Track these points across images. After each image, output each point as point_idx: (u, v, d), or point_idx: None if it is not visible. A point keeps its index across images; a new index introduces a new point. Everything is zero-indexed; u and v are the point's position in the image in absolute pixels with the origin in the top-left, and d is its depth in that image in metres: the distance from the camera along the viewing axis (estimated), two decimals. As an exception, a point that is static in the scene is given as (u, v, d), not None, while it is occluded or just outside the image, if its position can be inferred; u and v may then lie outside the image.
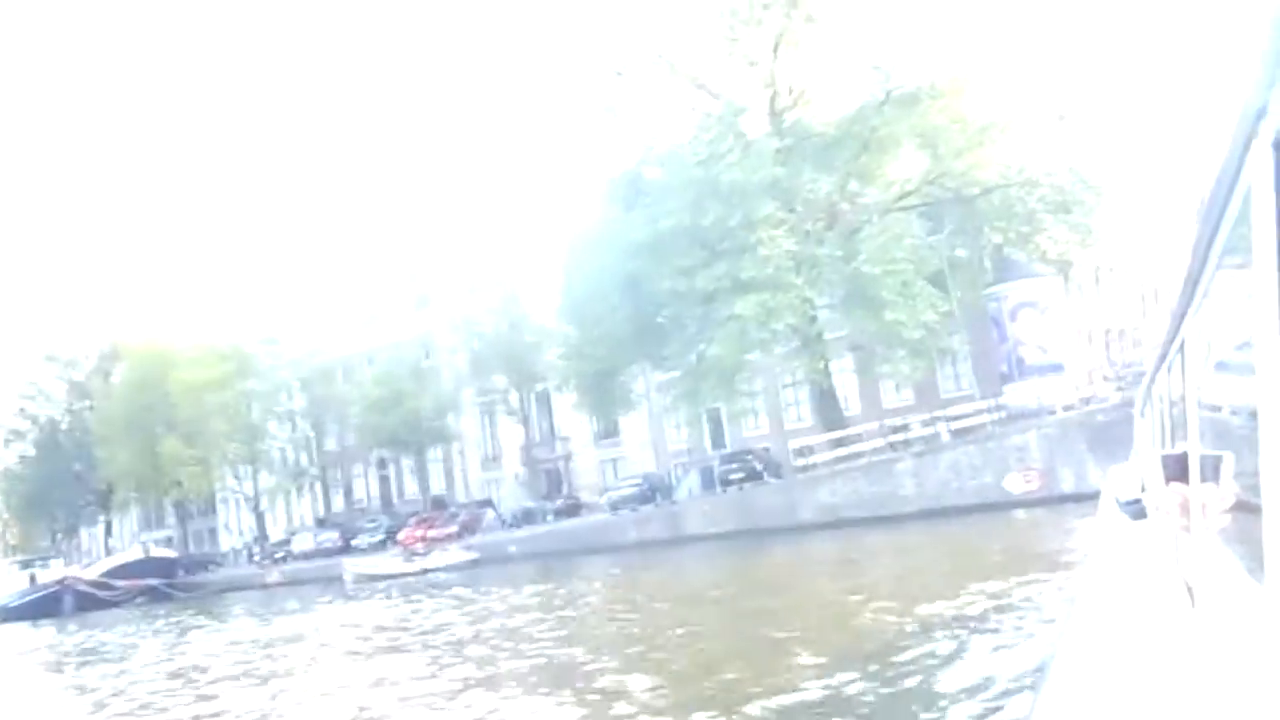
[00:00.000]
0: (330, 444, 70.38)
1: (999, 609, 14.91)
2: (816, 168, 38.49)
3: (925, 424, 39.11)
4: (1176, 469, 2.58)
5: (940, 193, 39.17)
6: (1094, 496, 28.40)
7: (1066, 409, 35.92)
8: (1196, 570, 2.36)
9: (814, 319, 39.50)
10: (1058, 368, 38.77)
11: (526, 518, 52.39)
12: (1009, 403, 38.01)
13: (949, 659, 12.12)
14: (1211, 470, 2.12)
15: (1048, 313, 39.40)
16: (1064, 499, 30.46)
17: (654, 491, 46.96)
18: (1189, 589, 2.47)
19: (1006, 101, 37.30)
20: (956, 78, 37.63)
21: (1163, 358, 3.75)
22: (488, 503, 58.77)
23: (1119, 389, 37.25)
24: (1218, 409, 2.16)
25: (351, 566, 47.25)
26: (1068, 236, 38.61)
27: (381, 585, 40.44)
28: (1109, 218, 39.17)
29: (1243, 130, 1.57)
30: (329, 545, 58.54)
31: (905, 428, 39.63)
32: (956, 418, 38.52)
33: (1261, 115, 1.50)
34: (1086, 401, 36.75)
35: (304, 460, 70.18)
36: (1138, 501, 5.65)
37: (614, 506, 46.76)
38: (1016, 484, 33.76)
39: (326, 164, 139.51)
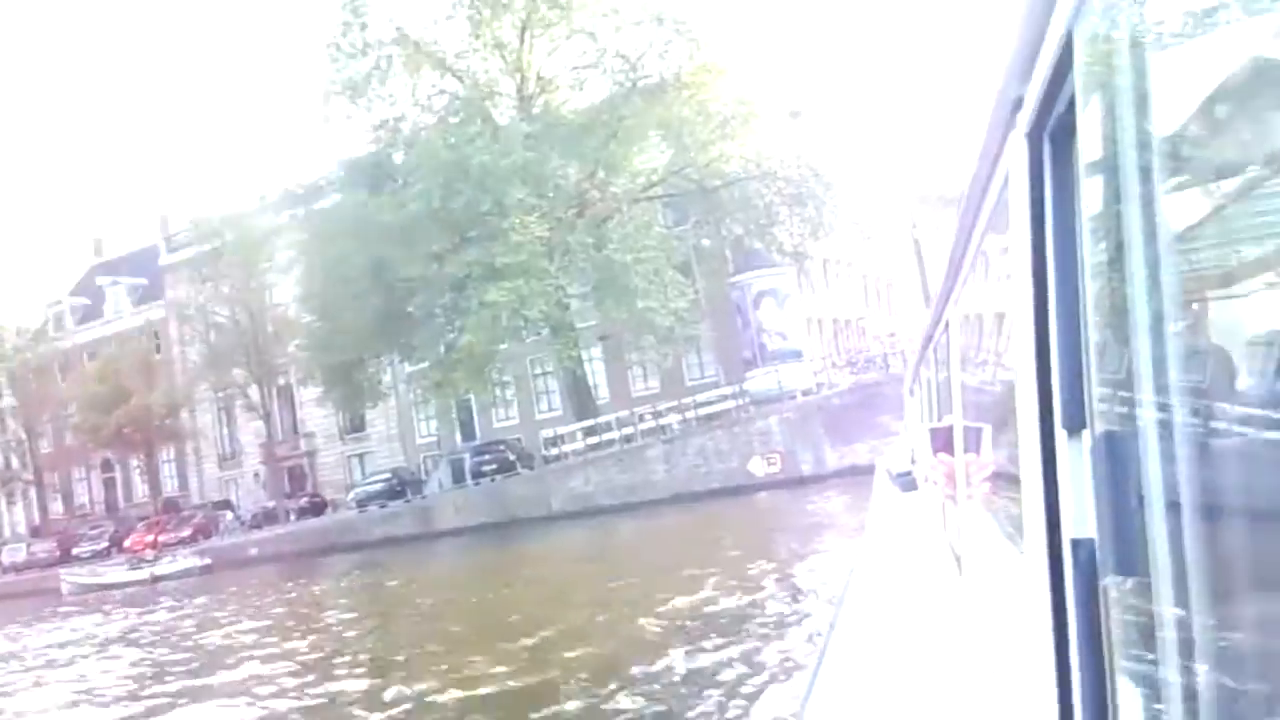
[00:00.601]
0: (45, 446, 64.05)
1: (745, 587, 15.64)
2: (566, 155, 38.74)
3: (674, 410, 40.15)
4: (942, 441, 2.77)
5: (685, 184, 40.56)
6: (831, 477, 31.33)
7: (805, 394, 37.88)
8: (962, 537, 2.55)
9: (566, 307, 39.79)
10: (797, 354, 40.58)
11: (268, 518, 50.07)
12: (752, 389, 39.37)
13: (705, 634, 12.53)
14: (974, 442, 2.28)
15: (786, 302, 41.29)
16: (804, 480, 32.83)
17: (403, 486, 46.06)
18: (956, 556, 2.66)
19: (747, 96, 38.91)
20: (701, 70, 38.90)
21: (929, 338, 4.01)
22: (226, 504, 55.89)
23: (851, 374, 40.44)
24: (979, 385, 2.32)
25: (70, 577, 43.67)
26: (801, 229, 40.96)
27: (107, 595, 37.39)
28: (839, 212, 41.72)
29: (999, 122, 1.67)
30: (44, 556, 54.14)
31: (656, 415, 40.52)
32: (704, 404, 39.87)
33: (1017, 107, 1.60)
34: (822, 387, 39.12)
35: (14, 464, 63.88)
36: (908, 474, 5.99)
37: (360, 503, 45.51)
38: (760, 467, 35.26)
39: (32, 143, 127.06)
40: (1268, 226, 1.98)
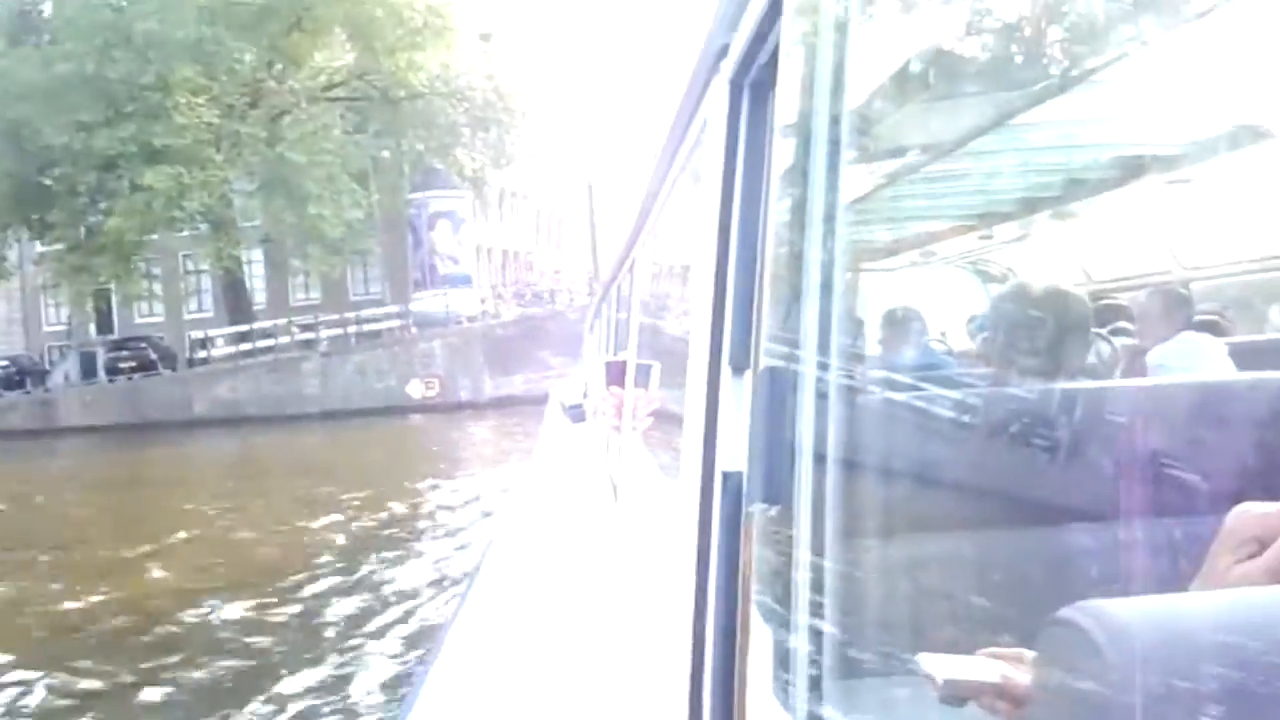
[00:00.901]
0: None
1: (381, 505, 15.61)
2: (243, 38, 35.96)
3: (335, 324, 39.16)
4: (616, 375, 2.85)
5: (369, 90, 39.01)
6: (487, 406, 32.26)
7: (471, 320, 38.30)
8: (621, 467, 2.64)
9: (230, 202, 37.54)
10: (466, 280, 40.57)
11: None
12: (418, 310, 39.00)
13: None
14: (644, 378, 2.37)
15: (461, 226, 41.14)
16: (460, 406, 33.36)
17: (23, 376, 41.42)
18: (613, 485, 2.76)
19: (442, 7, 37.83)
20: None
21: (614, 276, 4.09)
22: None
23: (518, 306, 41.21)
24: (656, 324, 2.40)
25: None
26: (483, 154, 40.70)
27: None
28: (522, 142, 41.92)
29: (702, 68, 1.71)
30: None
31: (314, 326, 39.24)
32: (367, 321, 39.17)
33: (721, 55, 1.64)
34: (488, 316, 39.52)
35: None
36: (579, 407, 6.28)
37: (-30, 392, 40.32)
38: (418, 390, 35.34)
39: None
40: (931, 206, 2.21)
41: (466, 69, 39.33)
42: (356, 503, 16.23)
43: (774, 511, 1.40)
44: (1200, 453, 1.50)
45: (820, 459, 1.34)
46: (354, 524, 14.55)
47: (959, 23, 1.70)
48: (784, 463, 1.38)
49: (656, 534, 1.96)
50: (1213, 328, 2.05)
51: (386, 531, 14.13)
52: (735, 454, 1.58)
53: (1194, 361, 1.98)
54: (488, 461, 21.13)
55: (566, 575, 2.59)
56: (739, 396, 1.59)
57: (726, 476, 1.58)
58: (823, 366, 1.39)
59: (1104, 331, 2.04)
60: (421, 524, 14.51)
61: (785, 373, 1.39)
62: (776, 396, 1.38)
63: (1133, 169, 1.91)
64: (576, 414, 6.32)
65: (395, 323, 39.25)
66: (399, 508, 15.69)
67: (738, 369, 1.59)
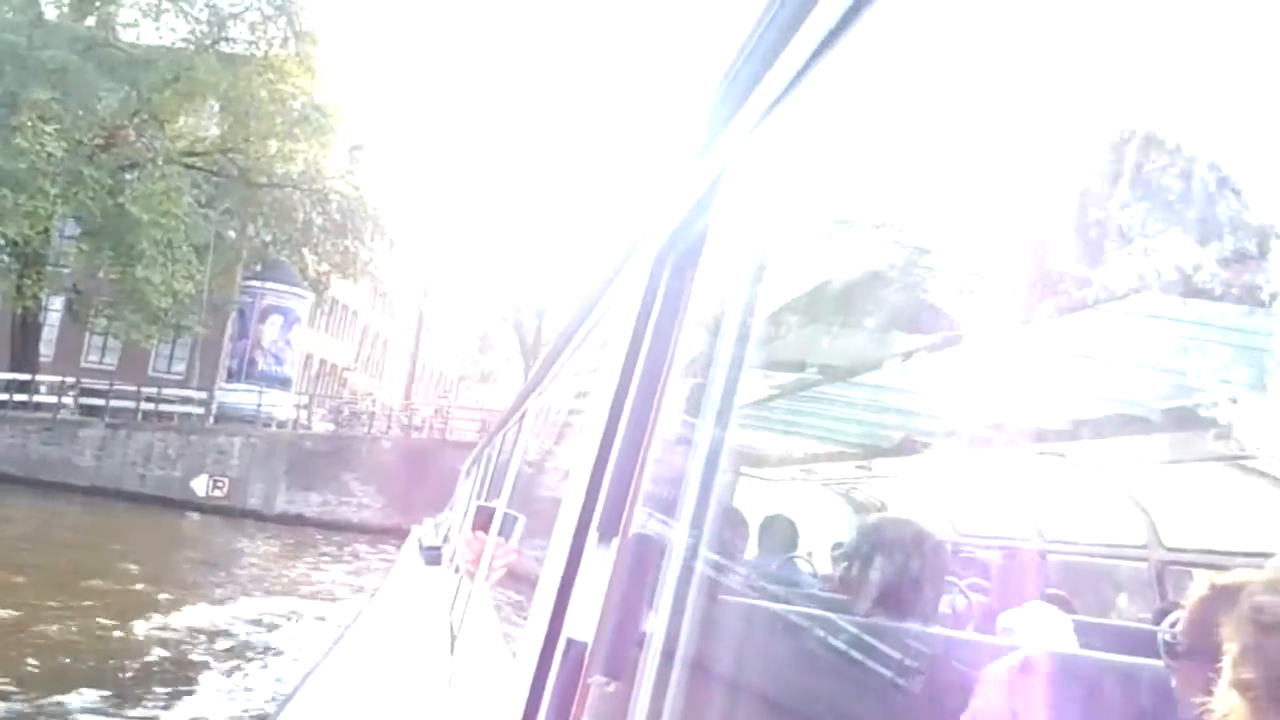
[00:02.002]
0: None
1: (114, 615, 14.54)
2: (113, 77, 35.89)
3: (128, 396, 37.82)
4: (482, 521, 2.95)
5: (229, 166, 39.32)
6: (274, 520, 31.63)
7: (280, 426, 38.13)
8: (465, 618, 2.71)
9: (48, 240, 36.55)
10: (285, 382, 40.91)
11: None
12: (226, 401, 38.68)
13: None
14: (509, 529, 2.49)
15: (294, 327, 41.55)
16: (245, 514, 32.94)
17: None
18: (453, 635, 2.81)
19: (331, 107, 39.17)
20: (293, 61, 38.45)
21: (503, 423, 4.23)
22: None
23: (331, 422, 41.24)
24: (534, 478, 2.54)
25: None
26: (331, 260, 41.71)
27: None
28: (372, 258, 42.97)
29: (630, 239, 1.93)
30: None
31: (105, 394, 37.68)
32: (165, 400, 38.23)
33: (652, 229, 1.87)
34: (298, 425, 39.40)
35: None
36: (437, 550, 6.86)
37: None
38: (204, 486, 34.60)
39: None
40: (819, 426, 2.45)
41: (334, 173, 40.45)
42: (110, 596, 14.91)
43: (612, 687, 1.53)
44: (1032, 714, 1.71)
45: (671, 640, 1.48)
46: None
47: (872, 261, 1.98)
48: (632, 637, 1.52)
49: (488, 694, 2.05)
50: (1061, 602, 2.30)
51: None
52: (584, 623, 1.70)
53: (1041, 631, 2.22)
54: (266, 585, 20.20)
55: (383, 714, 2.61)
56: (600, 565, 1.73)
57: (570, 644, 1.69)
58: (691, 551, 1.56)
59: (961, 585, 2.27)
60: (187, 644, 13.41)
61: (652, 545, 1.55)
62: (639, 566, 1.53)
63: (1009, 432, 2.19)
64: (431, 555, 6.65)
65: (195, 409, 38.35)
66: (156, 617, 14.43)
67: (605, 537, 1.73)
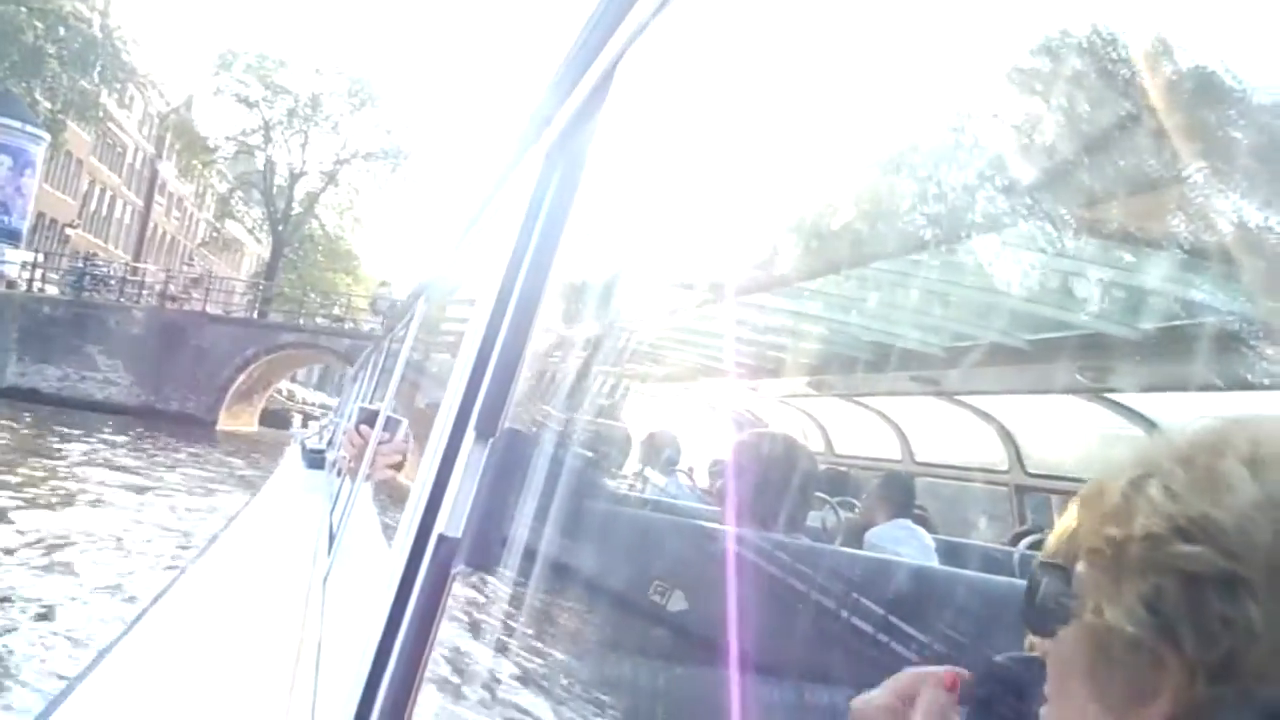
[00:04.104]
0: None
1: None
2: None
3: None
4: (366, 419, 2.85)
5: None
6: (5, 393, 26.02)
7: (10, 286, 31.87)
8: (345, 518, 2.61)
9: None
10: (14, 235, 34.23)
11: None
12: None
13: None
14: (392, 430, 2.40)
15: (27, 172, 34.89)
16: None
17: None
18: (332, 534, 2.71)
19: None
20: None
21: (389, 330, 4.11)
22: None
23: (66, 289, 33.27)
24: (418, 377, 2.44)
25: None
26: (69, 99, 35.35)
27: None
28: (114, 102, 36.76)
29: (525, 134, 1.83)
30: None
31: None
32: None
33: (545, 124, 1.77)
34: (33, 286, 32.68)
35: None
36: (321, 453, 6.83)
37: None
38: None
39: None
40: (702, 339, 2.40)
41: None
42: None
43: (475, 577, 1.45)
44: (891, 627, 1.68)
45: (534, 536, 1.41)
46: None
47: (761, 169, 1.91)
48: (497, 530, 1.44)
49: (363, 589, 1.96)
50: (924, 522, 2.29)
51: None
52: (457, 520, 1.62)
53: (905, 547, 2.20)
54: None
55: (258, 613, 2.51)
56: (476, 463, 1.65)
57: (441, 539, 1.62)
58: (561, 445, 1.49)
59: (832, 500, 2.24)
60: None
61: (525, 440, 1.47)
62: (510, 460, 1.46)
63: (884, 357, 2.16)
64: (313, 459, 6.64)
65: None
66: None
67: (482, 435, 1.66)
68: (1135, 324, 1.88)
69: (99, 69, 34.82)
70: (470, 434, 1.69)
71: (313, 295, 40.23)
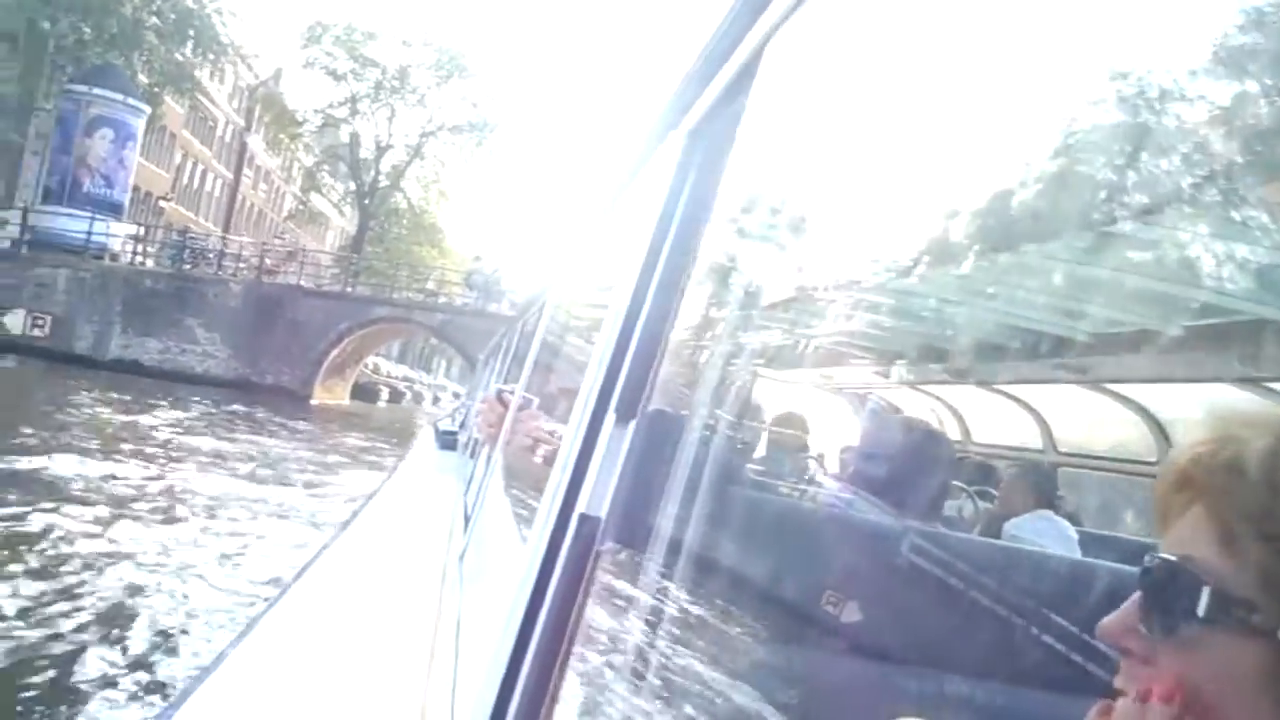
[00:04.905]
0: None
1: None
2: None
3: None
4: (501, 404, 2.92)
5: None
6: (107, 367, 26.28)
7: (113, 259, 32.30)
8: (480, 496, 2.68)
9: None
10: (117, 208, 34.12)
11: None
12: (43, 226, 31.79)
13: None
14: (528, 408, 2.45)
15: (129, 145, 34.54)
16: (73, 358, 27.43)
17: None
18: (467, 515, 2.78)
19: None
20: None
21: (521, 316, 4.18)
22: None
23: (171, 263, 34.00)
24: (554, 364, 2.47)
25: None
26: (165, 73, 35.33)
27: None
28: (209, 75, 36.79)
29: (664, 118, 1.83)
30: None
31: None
32: None
33: (686, 109, 1.77)
34: (136, 259, 33.43)
35: None
36: (453, 434, 6.97)
37: None
38: (20, 323, 28.99)
39: None
40: (836, 337, 2.37)
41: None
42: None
43: (623, 555, 1.47)
44: (1037, 623, 1.63)
45: (682, 516, 1.42)
46: None
47: (906, 159, 1.87)
48: (644, 510, 1.45)
49: (502, 568, 2.00)
50: (1069, 513, 2.23)
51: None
52: (599, 500, 1.64)
53: (1046, 539, 2.14)
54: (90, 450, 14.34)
55: (396, 592, 2.58)
56: (618, 443, 1.66)
57: (584, 519, 1.63)
58: (707, 430, 1.48)
59: (970, 489, 2.19)
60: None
61: (670, 422, 1.47)
62: (655, 442, 1.47)
63: (1027, 343, 2.10)
64: (447, 440, 6.83)
65: (6, 232, 31.57)
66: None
67: (623, 418, 1.67)
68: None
69: (193, 42, 34.78)
70: (611, 415, 1.70)
71: (403, 270, 40.11)
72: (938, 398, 2.28)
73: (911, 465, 2.01)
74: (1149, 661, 0.60)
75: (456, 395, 55.19)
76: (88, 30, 32.35)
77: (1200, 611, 0.57)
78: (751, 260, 1.58)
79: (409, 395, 48.65)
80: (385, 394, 43.23)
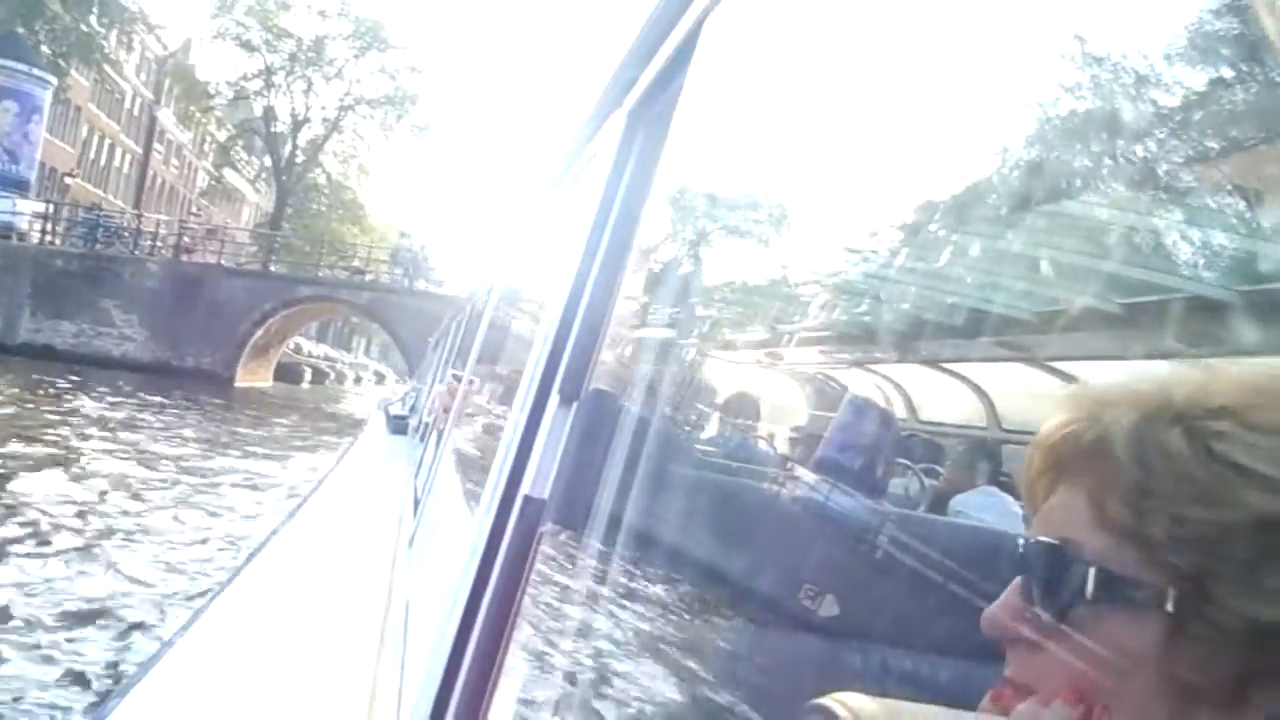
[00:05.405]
0: None
1: None
2: None
3: None
4: (449, 388, 2.92)
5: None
6: (16, 351, 24.96)
7: (20, 238, 31.20)
8: (429, 479, 2.68)
9: None
10: (23, 184, 33.21)
11: None
12: None
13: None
14: (476, 394, 2.46)
15: (35, 119, 33.70)
16: None
17: None
18: (416, 497, 2.78)
19: None
20: None
21: (471, 299, 4.18)
22: None
23: (83, 242, 32.45)
24: (501, 348, 2.47)
25: None
26: (70, 43, 33.97)
27: None
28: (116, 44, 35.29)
29: (607, 99, 1.83)
30: None
31: None
32: None
33: (627, 89, 1.76)
34: (45, 239, 32.15)
35: None
36: (404, 419, 7.07)
37: None
38: None
39: None
40: (760, 302, 2.39)
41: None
42: None
43: (563, 536, 1.47)
44: (981, 596, 1.65)
45: (622, 496, 1.42)
46: None
47: (848, 137, 1.88)
48: (585, 490, 1.46)
49: (449, 549, 2.00)
50: (1013, 490, 2.25)
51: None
52: (542, 481, 1.64)
53: (991, 514, 2.17)
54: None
55: (347, 574, 2.58)
56: (561, 425, 1.66)
57: (528, 500, 1.64)
58: (647, 408, 1.49)
59: (916, 467, 2.22)
60: None
61: (610, 402, 1.48)
62: (595, 423, 1.47)
63: (972, 322, 2.12)
64: (397, 425, 6.89)
65: None
66: None
67: (566, 399, 1.67)
68: (1234, 286, 1.82)
69: (98, 10, 33.57)
70: (555, 397, 1.71)
71: (325, 248, 39.01)
72: (884, 375, 2.30)
73: (858, 443, 2.03)
74: (1037, 648, 0.60)
75: (379, 375, 54.34)
76: None
77: (1087, 593, 0.57)
78: (692, 241, 1.58)
79: (332, 375, 47.94)
80: (309, 374, 42.61)
